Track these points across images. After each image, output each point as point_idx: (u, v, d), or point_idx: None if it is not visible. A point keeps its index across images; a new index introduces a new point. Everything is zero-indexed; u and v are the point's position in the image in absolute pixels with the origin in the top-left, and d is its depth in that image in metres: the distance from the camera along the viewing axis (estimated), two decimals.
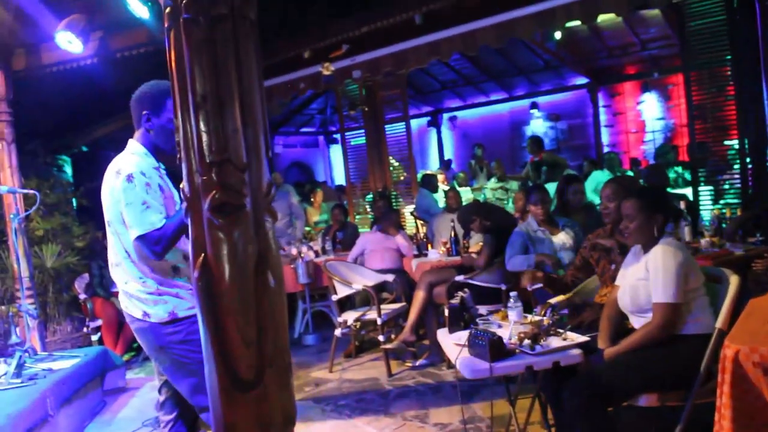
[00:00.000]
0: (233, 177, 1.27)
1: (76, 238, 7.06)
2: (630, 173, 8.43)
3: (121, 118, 8.12)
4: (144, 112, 2.58)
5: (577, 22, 6.01)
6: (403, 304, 5.75)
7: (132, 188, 2.39)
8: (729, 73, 6.03)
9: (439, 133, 14.01)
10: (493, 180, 9.84)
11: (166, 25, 1.30)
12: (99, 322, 6.50)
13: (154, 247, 2.37)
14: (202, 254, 1.28)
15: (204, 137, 1.25)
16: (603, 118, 12.09)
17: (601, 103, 12.09)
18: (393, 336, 5.65)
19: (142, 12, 4.74)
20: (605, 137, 12.02)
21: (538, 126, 12.72)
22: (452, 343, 3.24)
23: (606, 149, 11.46)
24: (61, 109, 7.15)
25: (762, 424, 2.22)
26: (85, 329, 6.62)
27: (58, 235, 6.83)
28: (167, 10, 1.28)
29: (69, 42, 4.93)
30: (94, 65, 5.66)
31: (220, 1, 1.25)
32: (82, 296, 6.61)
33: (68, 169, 8.35)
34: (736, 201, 6.01)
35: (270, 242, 1.32)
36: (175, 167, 2.07)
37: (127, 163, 2.48)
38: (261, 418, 1.28)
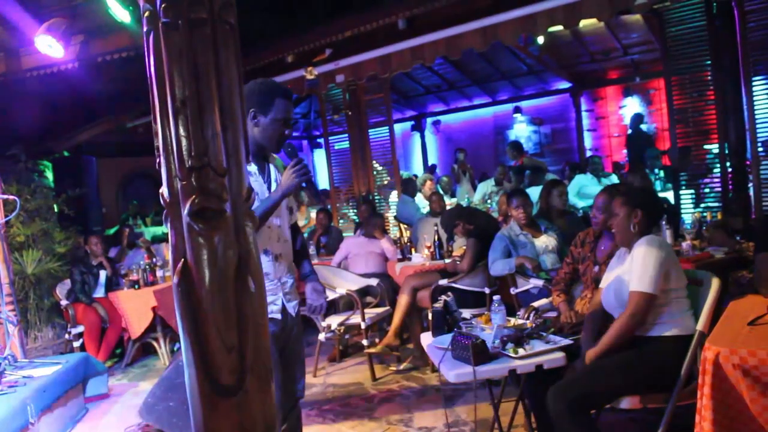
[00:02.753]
0: (213, 182, 1.26)
1: (57, 243, 7.01)
2: (614, 177, 8.47)
3: (104, 123, 8.09)
4: (251, 110, 2.67)
5: (560, 27, 6.04)
6: (387, 308, 5.75)
7: None
8: (709, 78, 6.09)
9: (423, 137, 14.03)
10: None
11: (144, 30, 1.29)
12: (81, 329, 6.45)
13: None
14: (182, 259, 1.28)
15: (183, 142, 1.25)
16: (586, 122, 12.16)
17: (583, 107, 12.17)
18: (377, 340, 5.65)
19: (123, 16, 4.72)
20: (588, 141, 12.10)
21: (521, 130, 12.77)
22: (435, 347, 3.25)
23: (588, 153, 11.54)
24: (43, 114, 7.10)
25: (742, 425, 2.24)
26: (66, 336, 6.56)
27: (39, 241, 6.78)
28: (146, 14, 1.27)
29: (49, 46, 4.90)
30: (75, 70, 5.63)
31: (199, 5, 1.24)
32: (64, 302, 6.55)
33: (50, 175, 8.29)
34: (716, 205, 6.07)
35: (251, 247, 1.32)
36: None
37: None
38: (242, 424, 1.27)
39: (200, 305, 1.25)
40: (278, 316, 2.78)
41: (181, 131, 1.24)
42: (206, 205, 1.25)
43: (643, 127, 11.02)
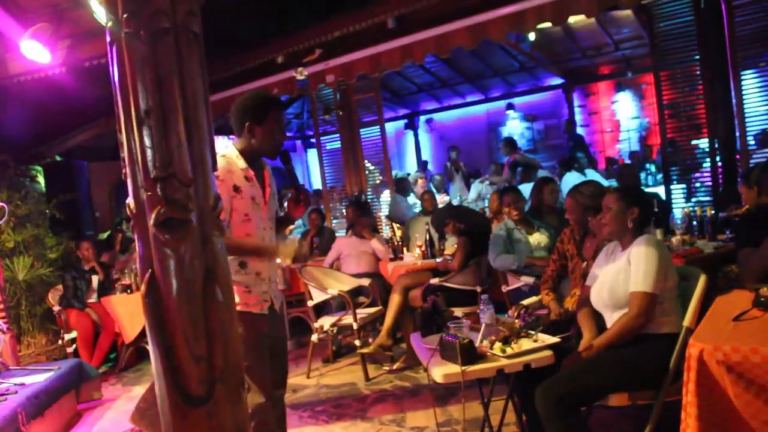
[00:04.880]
0: (178, 192, 1.26)
1: (49, 249, 6.99)
2: (596, 174, 8.43)
3: (95, 127, 8.06)
4: (246, 123, 2.83)
5: (549, 24, 6.04)
6: (380, 308, 5.75)
7: None
8: (698, 72, 6.09)
9: (416, 135, 14.01)
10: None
11: (108, 41, 1.28)
12: (74, 334, 6.44)
13: None
14: (149, 270, 1.27)
15: (148, 152, 1.24)
16: (578, 117, 12.16)
17: (576, 103, 12.16)
18: (370, 340, 5.65)
19: None
20: None
21: (514, 127, 12.77)
22: (424, 347, 3.25)
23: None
24: (32, 120, 7.07)
25: (726, 421, 2.24)
26: (60, 341, 6.55)
27: (30, 247, 6.76)
28: (109, 24, 1.27)
29: (35, 51, 4.87)
30: (63, 74, 5.60)
31: (161, 15, 1.24)
32: (57, 308, 6.54)
33: (41, 180, 8.26)
34: (707, 199, 6.07)
35: (218, 256, 1.31)
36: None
37: None
38: None
39: (168, 315, 1.25)
40: (267, 312, 2.92)
41: (146, 141, 1.24)
42: (172, 215, 1.25)
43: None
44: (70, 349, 6.38)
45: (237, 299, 2.59)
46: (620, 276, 2.98)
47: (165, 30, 1.25)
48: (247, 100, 2.87)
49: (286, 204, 3.15)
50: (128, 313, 6.30)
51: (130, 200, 1.31)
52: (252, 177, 2.87)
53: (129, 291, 6.51)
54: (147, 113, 1.23)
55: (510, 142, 9.76)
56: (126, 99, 1.25)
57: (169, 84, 1.25)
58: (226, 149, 2.88)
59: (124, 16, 1.23)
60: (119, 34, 1.25)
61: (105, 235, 8.96)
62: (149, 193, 1.25)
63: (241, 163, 2.85)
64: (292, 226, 8.59)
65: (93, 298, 6.77)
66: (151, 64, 1.24)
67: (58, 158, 8.66)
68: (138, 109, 1.24)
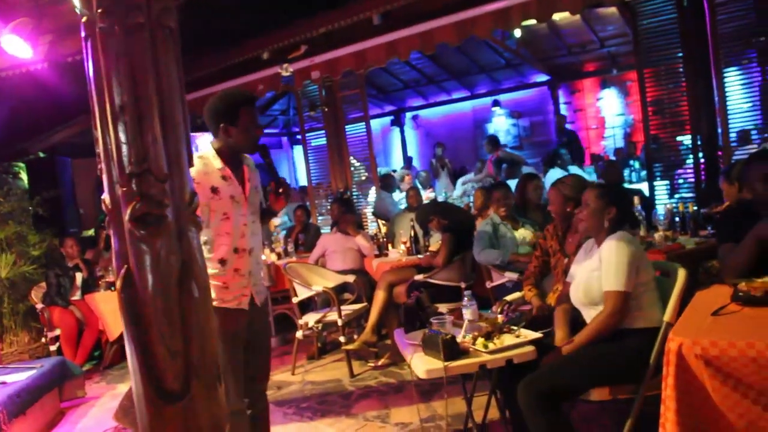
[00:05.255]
0: (154, 187, 1.26)
1: (32, 246, 6.94)
2: (579, 170, 8.48)
3: (78, 123, 8.01)
4: (221, 125, 2.84)
5: (534, 21, 6.07)
6: (364, 304, 5.75)
7: None
8: (681, 70, 6.13)
9: (402, 132, 14.02)
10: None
11: (83, 35, 1.28)
12: (57, 332, 6.40)
13: None
14: (125, 266, 1.27)
15: (123, 148, 1.24)
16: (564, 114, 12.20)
17: (561, 99, 12.21)
18: (355, 337, 5.65)
19: None
20: None
21: (500, 123, 12.79)
22: (407, 342, 3.26)
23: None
24: (14, 116, 7.02)
25: (704, 415, 2.26)
26: (43, 339, 6.51)
27: (13, 244, 6.71)
28: (83, 19, 1.26)
29: (16, 47, 4.83)
30: (45, 70, 5.56)
31: (136, 10, 1.23)
32: (40, 306, 6.49)
33: (24, 177, 8.20)
34: (690, 195, 6.12)
35: (194, 252, 1.31)
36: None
37: None
38: (188, 429, 1.27)
39: (144, 311, 1.25)
40: (246, 307, 2.92)
41: (121, 137, 1.24)
42: (147, 210, 1.24)
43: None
44: (53, 347, 6.34)
45: (213, 294, 2.60)
46: (594, 274, 3.00)
47: (140, 25, 1.25)
48: (217, 101, 2.88)
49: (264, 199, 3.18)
50: (112, 311, 6.27)
51: (105, 196, 1.30)
52: (229, 176, 2.88)
53: (113, 288, 6.47)
54: (122, 109, 1.23)
55: (493, 139, 9.79)
56: (101, 94, 1.25)
57: (145, 79, 1.25)
58: (203, 150, 2.90)
59: (99, 10, 1.23)
60: (94, 28, 1.24)
61: (89, 232, 8.92)
62: (124, 189, 1.25)
63: (218, 163, 2.86)
64: (277, 222, 8.63)
65: (77, 296, 6.72)
66: (126, 59, 1.23)
67: (41, 155, 8.60)
68: (113, 104, 1.23)
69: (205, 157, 2.84)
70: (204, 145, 2.94)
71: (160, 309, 1.26)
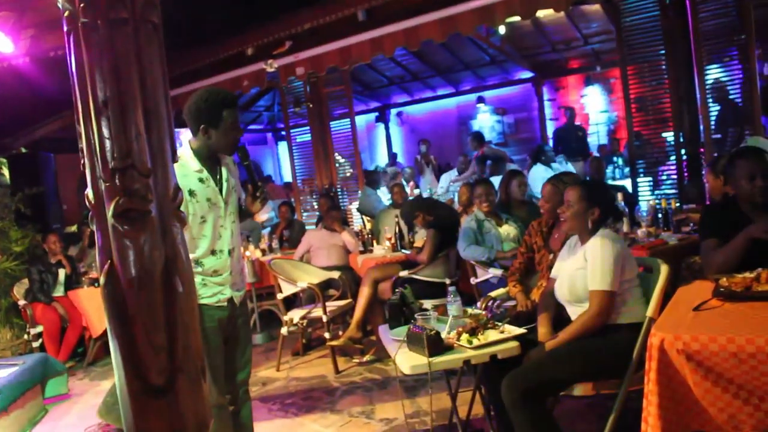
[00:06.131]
0: (137, 183, 1.25)
1: (14, 242, 6.88)
2: (563, 167, 8.53)
3: (61, 118, 7.94)
4: (201, 125, 2.81)
5: (518, 18, 6.09)
6: (349, 300, 5.76)
7: None
8: (664, 67, 6.18)
9: (387, 128, 14.02)
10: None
11: (65, 30, 1.27)
12: (40, 329, 6.35)
13: None
14: (109, 261, 1.27)
15: (106, 143, 1.24)
16: (548, 111, 12.26)
17: (546, 96, 12.25)
18: (340, 333, 5.65)
19: None
20: (550, 130, 12.18)
21: (485, 120, 12.83)
22: (392, 338, 3.26)
23: (551, 143, 11.63)
24: None
25: (685, 409, 2.29)
26: (26, 336, 6.46)
27: None
28: (66, 14, 1.25)
29: None
30: (27, 64, 5.51)
31: (119, 4, 1.23)
32: (22, 302, 6.44)
33: (6, 172, 8.12)
34: (672, 192, 6.17)
35: (178, 248, 1.31)
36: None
37: None
38: (173, 424, 1.27)
39: (127, 306, 1.25)
40: (225, 304, 2.91)
41: (104, 132, 1.23)
42: (130, 206, 1.24)
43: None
44: (36, 344, 6.29)
45: None
46: (578, 272, 3.02)
47: (123, 20, 1.24)
48: (200, 101, 2.83)
49: (244, 197, 3.16)
50: (96, 307, 6.23)
51: (89, 191, 1.30)
52: (206, 177, 2.86)
53: (97, 284, 6.42)
54: (105, 103, 1.22)
55: (478, 136, 9.82)
56: (84, 89, 1.24)
57: (128, 74, 1.24)
58: (180, 150, 2.86)
59: (81, 5, 1.22)
60: (77, 23, 1.24)
61: (72, 228, 8.85)
62: (108, 184, 1.25)
63: (195, 165, 2.84)
64: (264, 217, 8.60)
65: (60, 292, 6.68)
66: (109, 53, 1.23)
67: (23, 150, 8.52)
68: (96, 99, 1.23)
69: (182, 158, 2.80)
70: (182, 145, 2.92)
71: (143, 304, 1.26)
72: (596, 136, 11.76)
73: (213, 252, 2.86)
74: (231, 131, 2.85)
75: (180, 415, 1.29)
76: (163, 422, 1.27)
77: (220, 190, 2.91)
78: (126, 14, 1.24)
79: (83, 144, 1.28)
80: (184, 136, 7.44)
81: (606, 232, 3.04)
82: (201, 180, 2.83)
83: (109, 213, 1.24)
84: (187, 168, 2.80)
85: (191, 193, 2.76)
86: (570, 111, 11.14)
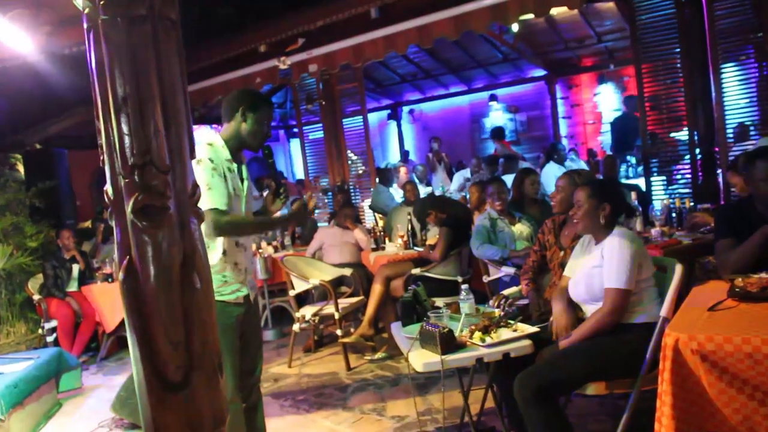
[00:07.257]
0: (156, 179, 1.26)
1: (29, 237, 6.94)
2: (583, 164, 8.52)
3: (75, 115, 7.99)
4: (240, 107, 2.88)
5: (532, 15, 6.07)
6: (361, 297, 5.77)
7: (198, 171, 2.61)
8: (679, 65, 6.14)
9: (399, 126, 14.01)
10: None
11: (85, 27, 1.28)
12: (54, 323, 6.40)
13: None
14: (127, 257, 1.28)
15: (126, 139, 1.24)
16: (561, 109, 12.21)
17: (558, 94, 12.20)
18: (352, 330, 5.66)
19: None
20: (563, 128, 12.16)
21: (497, 118, 12.79)
22: (404, 336, 3.27)
23: (564, 141, 11.60)
24: (11, 107, 7.02)
25: (699, 409, 2.28)
26: (40, 330, 6.51)
27: (9, 236, 6.71)
28: (86, 11, 1.26)
29: (14, 38, 4.81)
30: (43, 62, 5.54)
31: (138, 2, 1.24)
32: (37, 297, 6.49)
33: (21, 168, 8.18)
34: (686, 191, 6.14)
35: (196, 243, 1.32)
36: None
37: (199, 151, 2.75)
38: (190, 419, 1.28)
39: (146, 302, 1.26)
40: (242, 302, 2.93)
41: (123, 128, 1.24)
42: (149, 202, 1.25)
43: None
44: (50, 338, 6.34)
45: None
46: (595, 271, 3.01)
47: (142, 17, 1.25)
48: (243, 90, 2.99)
49: (264, 194, 3.19)
50: (109, 302, 6.27)
51: (107, 187, 1.31)
52: (234, 169, 2.91)
53: (110, 280, 6.47)
54: (124, 100, 1.23)
55: (498, 130, 9.84)
56: (103, 86, 1.25)
57: (147, 71, 1.25)
58: (211, 138, 2.91)
59: (101, 2, 1.23)
60: (97, 20, 1.24)
61: (86, 223, 8.91)
62: (127, 180, 1.26)
63: (226, 154, 2.89)
64: (277, 215, 8.62)
65: (74, 287, 6.73)
66: (129, 50, 1.24)
67: (38, 146, 8.58)
68: (115, 95, 1.24)
69: (215, 146, 2.86)
70: (209, 135, 2.96)
71: (161, 300, 1.27)
72: (609, 135, 11.70)
73: (237, 244, 2.89)
74: (264, 123, 2.93)
75: (197, 411, 1.30)
76: (180, 417, 1.28)
77: (242, 186, 2.96)
78: (145, 11, 1.25)
79: (102, 140, 1.29)
80: (199, 133, 7.47)
81: (624, 231, 3.03)
82: (230, 170, 2.87)
83: (128, 209, 1.25)
84: (220, 153, 2.86)
85: (224, 177, 2.81)
86: (629, 100, 10.87)
